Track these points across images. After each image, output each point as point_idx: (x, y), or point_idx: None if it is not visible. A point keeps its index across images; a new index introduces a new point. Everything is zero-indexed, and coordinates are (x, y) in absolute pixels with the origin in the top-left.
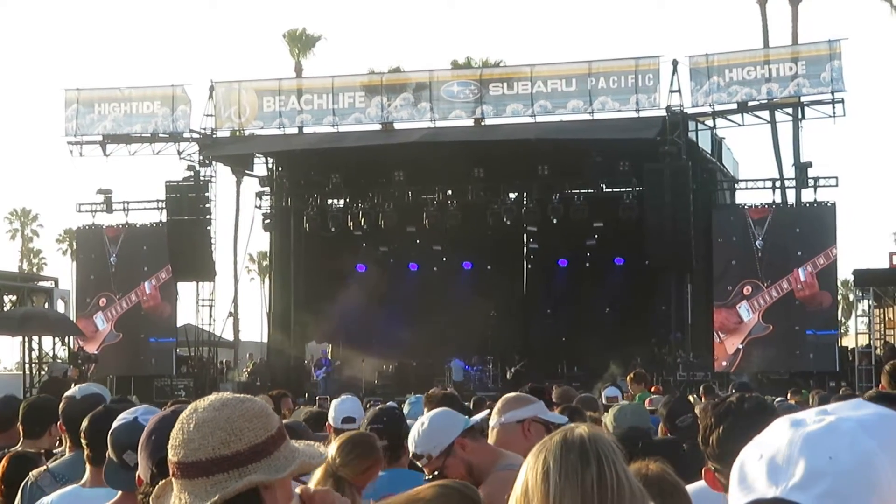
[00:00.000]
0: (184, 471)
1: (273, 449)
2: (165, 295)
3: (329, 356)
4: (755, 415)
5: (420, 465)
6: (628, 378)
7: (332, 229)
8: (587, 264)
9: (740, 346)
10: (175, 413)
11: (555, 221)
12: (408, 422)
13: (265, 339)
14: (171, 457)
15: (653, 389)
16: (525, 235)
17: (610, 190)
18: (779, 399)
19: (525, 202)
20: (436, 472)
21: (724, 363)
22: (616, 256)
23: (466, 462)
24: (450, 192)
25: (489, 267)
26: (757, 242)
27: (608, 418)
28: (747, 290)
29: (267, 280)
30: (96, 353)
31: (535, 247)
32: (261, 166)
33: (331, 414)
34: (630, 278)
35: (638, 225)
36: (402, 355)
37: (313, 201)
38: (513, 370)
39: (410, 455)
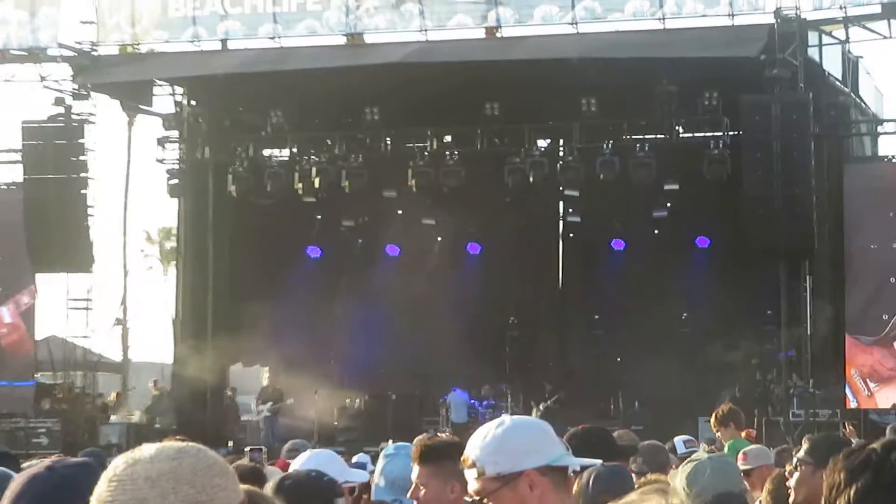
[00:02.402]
0: None
1: None
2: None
3: (266, 383)
4: None
5: (463, 470)
6: (713, 417)
7: (271, 193)
8: (654, 247)
9: None
10: (54, 472)
11: (606, 182)
12: (379, 481)
13: (169, 360)
14: None
15: (744, 435)
16: (561, 204)
17: (690, 135)
18: None
19: (561, 154)
20: (480, 498)
21: (862, 395)
22: (698, 235)
23: None
24: (448, 138)
25: (507, 251)
26: None
27: (680, 478)
28: None
29: (173, 271)
30: None
31: (576, 220)
32: (165, 100)
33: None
34: (719, 268)
35: (731, 187)
36: (375, 384)
37: (243, 152)
38: (542, 406)
39: (462, 459)
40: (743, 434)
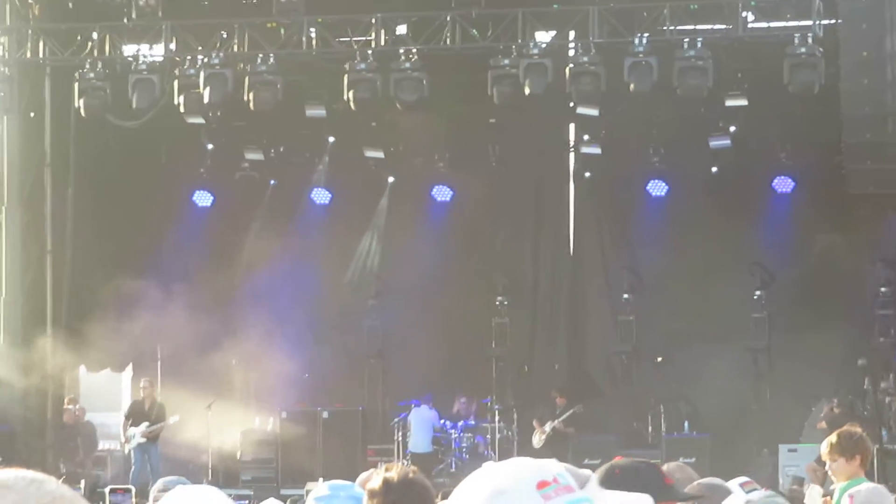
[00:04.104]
0: None
1: None
2: None
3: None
4: None
5: None
6: (828, 445)
7: (139, 111)
8: (711, 191)
9: None
10: None
11: (638, 95)
12: None
13: None
14: None
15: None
16: (572, 128)
17: (764, 26)
18: None
19: (572, 53)
20: None
21: None
22: (776, 174)
23: None
24: (403, 29)
25: (491, 198)
26: None
27: None
28: None
29: None
30: None
31: (595, 151)
32: None
33: None
34: (806, 222)
35: (825, 103)
36: (297, 395)
37: (95, 48)
38: (549, 427)
39: None
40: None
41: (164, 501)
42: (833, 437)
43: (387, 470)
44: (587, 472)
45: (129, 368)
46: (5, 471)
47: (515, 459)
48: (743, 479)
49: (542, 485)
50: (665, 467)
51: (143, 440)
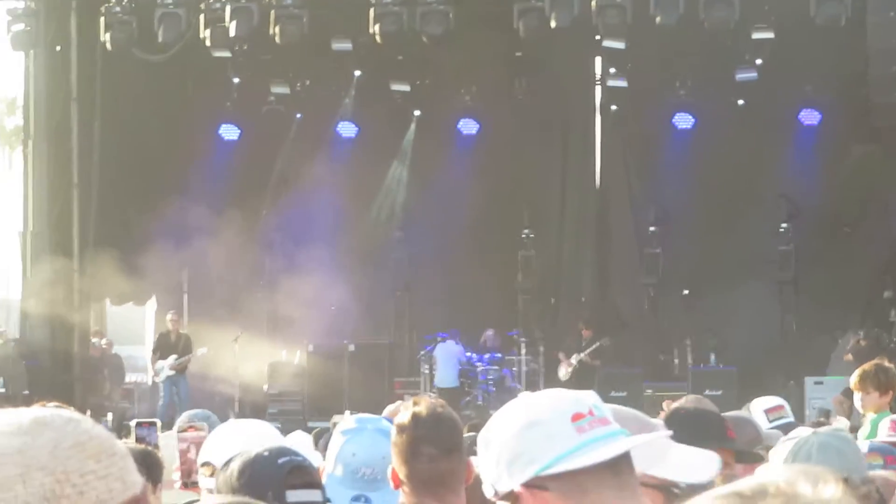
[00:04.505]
0: None
1: None
2: None
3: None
4: None
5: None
6: (857, 377)
7: (165, 45)
8: (737, 125)
9: None
10: None
11: (665, 28)
12: (335, 470)
13: (15, 295)
14: None
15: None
16: (598, 61)
17: None
18: None
19: None
20: None
21: None
22: (802, 107)
23: None
24: None
25: (517, 132)
26: None
27: (781, 462)
28: None
29: (19, 160)
30: None
31: (621, 84)
32: None
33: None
34: (833, 156)
35: (853, 35)
36: (324, 329)
37: None
38: (575, 360)
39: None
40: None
41: (217, 430)
42: (869, 369)
43: (415, 404)
44: (658, 421)
45: (154, 301)
46: (43, 408)
47: (551, 390)
48: (768, 402)
49: (576, 417)
50: (683, 400)
51: (171, 373)
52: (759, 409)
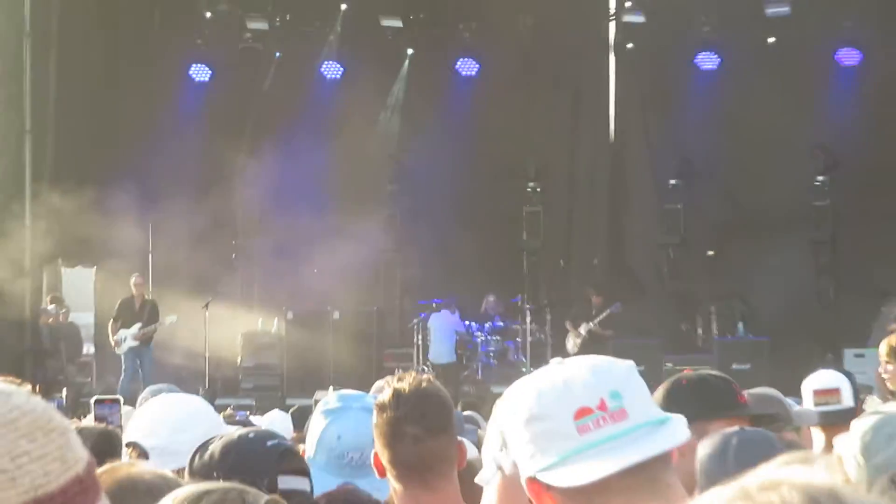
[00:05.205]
0: None
1: None
2: None
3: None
4: None
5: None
6: (886, 345)
7: None
8: (767, 65)
9: None
10: None
11: None
12: (316, 455)
13: None
14: None
15: None
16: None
17: None
18: None
19: None
20: None
21: None
22: (840, 46)
23: None
24: None
25: (521, 72)
26: None
27: (853, 442)
28: None
29: None
30: None
31: (639, 20)
32: None
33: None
34: (875, 100)
35: None
36: (305, 295)
37: None
38: (584, 330)
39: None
40: None
41: (145, 407)
42: (886, 343)
43: (399, 380)
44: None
45: (116, 263)
46: (16, 388)
47: (584, 361)
48: (823, 381)
49: (581, 413)
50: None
51: (135, 343)
52: (808, 388)
